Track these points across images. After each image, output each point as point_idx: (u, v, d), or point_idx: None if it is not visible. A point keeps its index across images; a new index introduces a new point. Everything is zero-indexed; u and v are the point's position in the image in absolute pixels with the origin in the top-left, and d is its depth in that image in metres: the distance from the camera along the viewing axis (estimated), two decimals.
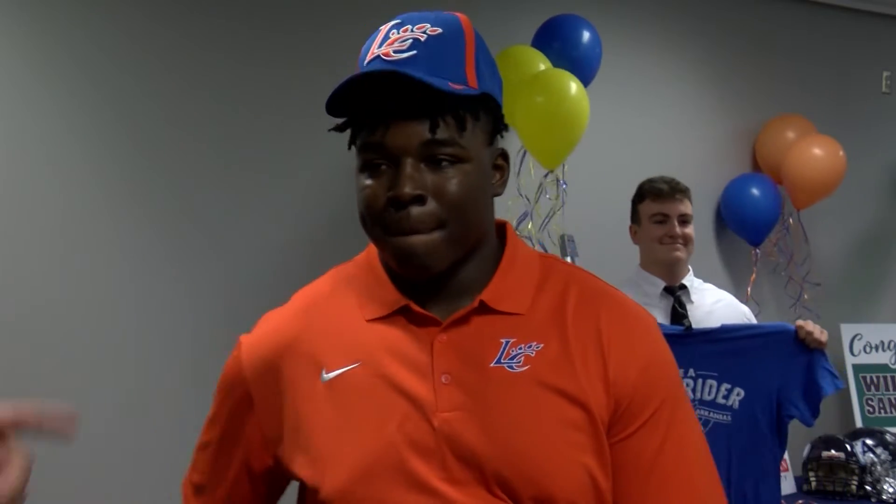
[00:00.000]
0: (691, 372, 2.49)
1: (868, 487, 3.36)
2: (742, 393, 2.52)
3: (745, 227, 3.79)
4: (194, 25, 3.02)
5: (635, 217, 2.79)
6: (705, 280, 2.84)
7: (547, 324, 1.09)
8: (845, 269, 4.18)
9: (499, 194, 1.15)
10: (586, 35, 3.20)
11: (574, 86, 3.00)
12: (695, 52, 3.88)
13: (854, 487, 3.34)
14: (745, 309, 2.83)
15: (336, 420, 1.07)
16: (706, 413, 2.48)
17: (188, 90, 3.00)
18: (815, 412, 2.53)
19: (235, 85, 3.06)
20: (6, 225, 2.77)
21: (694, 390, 2.49)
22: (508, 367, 1.06)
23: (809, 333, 2.48)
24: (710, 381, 2.52)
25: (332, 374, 1.09)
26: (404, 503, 1.03)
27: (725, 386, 2.52)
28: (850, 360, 3.96)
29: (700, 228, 3.61)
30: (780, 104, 3.96)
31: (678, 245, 2.69)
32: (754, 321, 2.81)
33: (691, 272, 2.78)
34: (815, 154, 3.69)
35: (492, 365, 1.06)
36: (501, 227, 1.18)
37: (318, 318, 1.14)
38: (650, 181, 2.76)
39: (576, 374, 1.06)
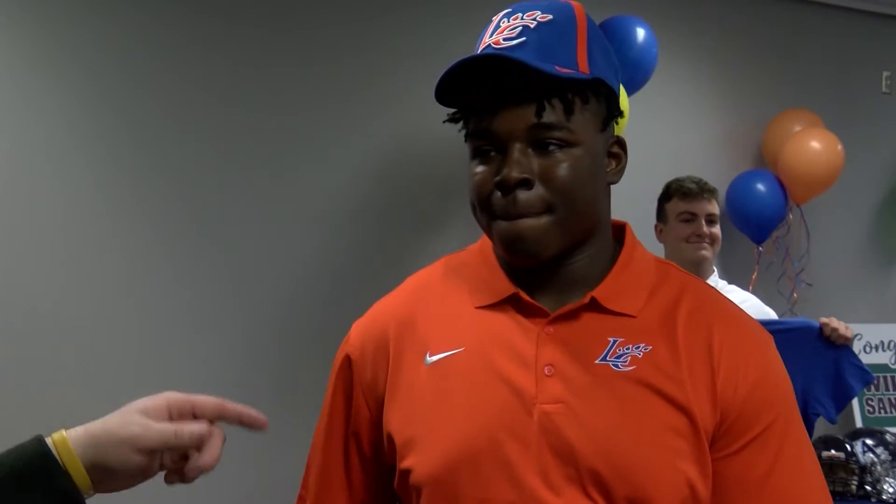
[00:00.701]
0: None
1: (868, 487, 3.35)
2: None
3: (750, 224, 3.77)
4: (196, 24, 3.02)
5: (662, 216, 2.80)
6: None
7: (657, 329, 1.07)
8: (845, 268, 4.17)
9: (614, 182, 1.12)
10: (641, 35, 3.17)
11: None
12: (696, 52, 3.88)
13: (854, 487, 3.33)
14: (768, 310, 2.84)
15: (435, 403, 1.07)
16: None
17: (190, 90, 3.00)
18: (840, 409, 2.53)
19: (237, 84, 3.06)
20: (6, 225, 2.77)
21: None
22: (614, 365, 1.04)
23: (835, 330, 2.49)
24: None
25: (435, 358, 1.09)
26: (496, 494, 1.02)
27: None
28: None
29: None
30: (781, 104, 3.96)
31: (705, 244, 2.71)
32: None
33: (716, 273, 2.79)
34: (813, 147, 3.67)
35: (597, 361, 1.05)
36: (621, 228, 1.16)
37: (427, 302, 1.15)
38: (678, 180, 2.78)
39: (682, 381, 1.04)
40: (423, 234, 3.29)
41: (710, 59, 3.91)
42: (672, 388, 1.03)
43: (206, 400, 0.91)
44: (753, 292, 3.80)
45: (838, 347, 2.50)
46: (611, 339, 1.06)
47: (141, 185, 2.94)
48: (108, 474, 0.85)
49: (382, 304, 1.20)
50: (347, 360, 1.18)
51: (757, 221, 3.75)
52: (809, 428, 2.52)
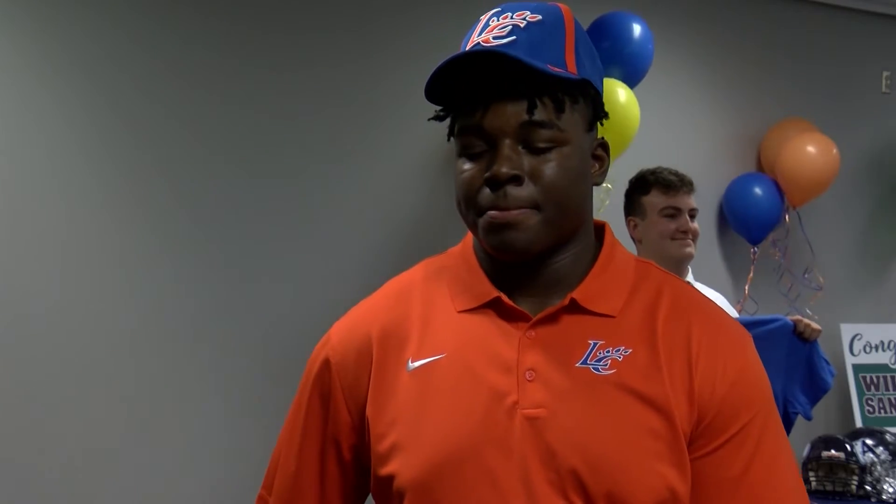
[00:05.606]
0: None
1: (868, 487, 3.36)
2: None
3: (747, 226, 3.79)
4: (197, 24, 3.02)
5: (637, 210, 2.67)
6: (708, 279, 2.84)
7: (637, 329, 1.07)
8: (845, 268, 4.18)
9: (598, 184, 1.13)
10: (637, 30, 3.16)
11: (623, 93, 2.96)
12: (693, 51, 3.88)
13: (854, 487, 3.34)
14: (733, 310, 2.84)
15: (418, 410, 1.07)
16: None
17: (191, 90, 3.00)
18: (814, 404, 2.54)
19: (239, 85, 3.06)
20: (6, 225, 2.77)
21: None
22: (594, 368, 1.05)
23: (808, 325, 2.50)
24: None
25: (417, 364, 1.09)
26: (477, 500, 1.02)
27: None
28: (850, 360, 3.95)
29: (702, 227, 3.62)
30: (780, 104, 3.96)
31: (689, 241, 2.61)
32: None
33: (690, 271, 2.76)
34: (809, 152, 3.72)
35: (577, 365, 1.05)
36: (600, 228, 1.16)
37: (409, 306, 1.14)
38: (655, 172, 2.67)
39: (662, 382, 1.04)
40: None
41: (707, 58, 3.90)
42: (652, 391, 1.04)
43: None
44: (751, 293, 3.82)
45: (809, 343, 2.50)
46: (591, 342, 1.06)
47: (141, 186, 2.93)
48: None
49: (363, 307, 1.20)
50: (327, 364, 1.17)
51: (754, 223, 3.78)
52: (788, 427, 2.52)
